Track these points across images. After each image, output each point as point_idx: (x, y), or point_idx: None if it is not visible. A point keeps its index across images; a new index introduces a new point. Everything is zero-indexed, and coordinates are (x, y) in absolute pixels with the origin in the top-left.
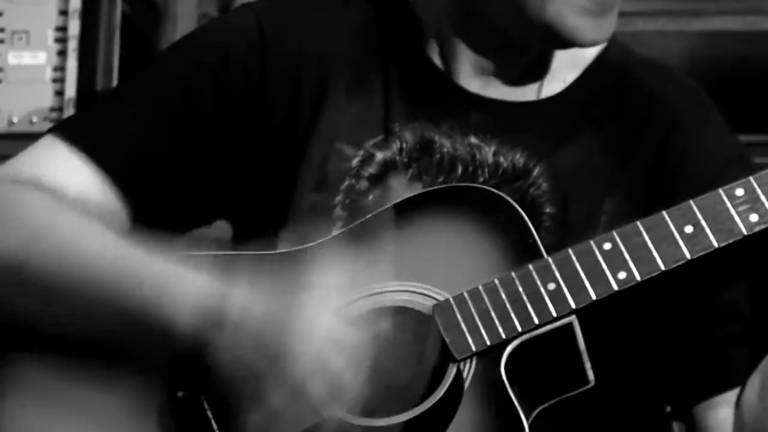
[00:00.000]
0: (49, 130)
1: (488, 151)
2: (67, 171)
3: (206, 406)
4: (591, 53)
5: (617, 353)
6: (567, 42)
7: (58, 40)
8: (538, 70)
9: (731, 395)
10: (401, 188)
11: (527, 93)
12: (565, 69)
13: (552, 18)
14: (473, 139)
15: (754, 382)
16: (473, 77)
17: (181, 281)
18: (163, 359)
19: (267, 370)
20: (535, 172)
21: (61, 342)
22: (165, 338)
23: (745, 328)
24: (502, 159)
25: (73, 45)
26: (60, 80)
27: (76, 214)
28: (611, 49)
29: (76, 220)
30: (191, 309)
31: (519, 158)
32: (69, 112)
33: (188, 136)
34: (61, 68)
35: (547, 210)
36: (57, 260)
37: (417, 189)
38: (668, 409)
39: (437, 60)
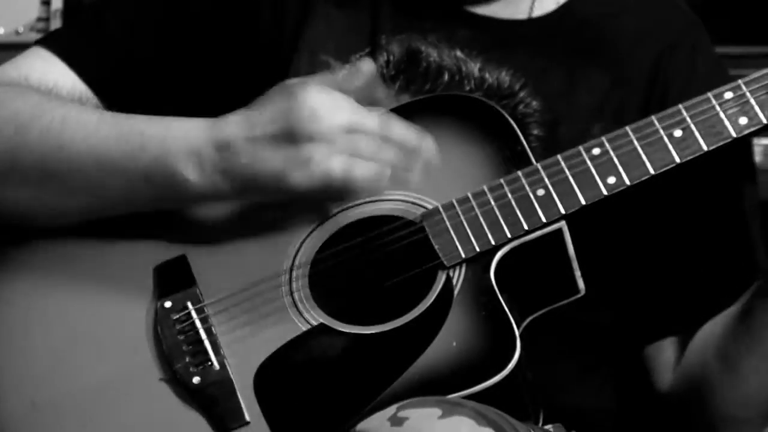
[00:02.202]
0: (35, 43)
1: (474, 67)
2: (53, 75)
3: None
4: None
5: (605, 268)
6: None
7: None
8: None
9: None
10: (389, 101)
11: (518, 11)
12: None
13: None
14: (459, 53)
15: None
16: None
17: (179, 131)
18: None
19: (298, 134)
20: (523, 92)
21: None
22: (172, 194)
23: (729, 251)
24: (487, 75)
25: None
26: None
27: (65, 99)
28: None
29: (66, 102)
30: (193, 155)
31: (504, 76)
32: (56, 22)
33: (173, 46)
34: None
35: (535, 132)
36: (51, 141)
37: (404, 100)
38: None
39: None
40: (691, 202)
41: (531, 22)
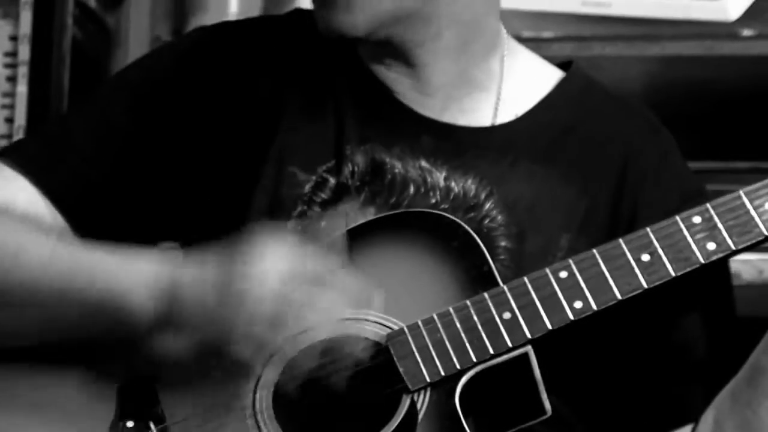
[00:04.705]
0: None
1: (439, 176)
2: (11, 191)
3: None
4: (551, 83)
5: (573, 385)
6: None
7: (7, 66)
8: (484, 95)
9: None
10: (354, 213)
11: (481, 118)
12: (521, 97)
13: None
14: (424, 163)
15: (708, 417)
16: (424, 101)
17: (132, 266)
18: (123, 352)
19: (230, 323)
20: (488, 204)
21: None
22: (123, 327)
23: (698, 366)
24: (453, 184)
25: (23, 71)
26: (10, 107)
27: (19, 224)
28: (571, 80)
29: (18, 228)
30: (144, 291)
31: (470, 185)
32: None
33: (135, 158)
34: (10, 94)
35: (503, 243)
36: (3, 266)
37: (370, 213)
38: None
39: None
40: (657, 315)
41: (494, 130)
